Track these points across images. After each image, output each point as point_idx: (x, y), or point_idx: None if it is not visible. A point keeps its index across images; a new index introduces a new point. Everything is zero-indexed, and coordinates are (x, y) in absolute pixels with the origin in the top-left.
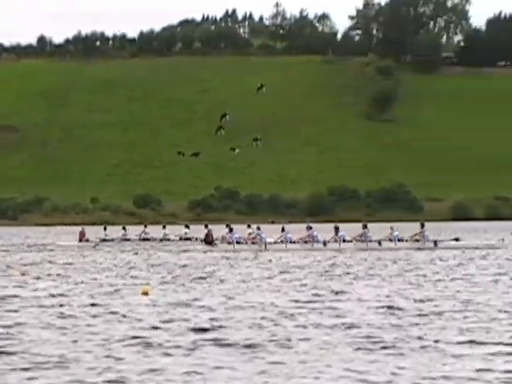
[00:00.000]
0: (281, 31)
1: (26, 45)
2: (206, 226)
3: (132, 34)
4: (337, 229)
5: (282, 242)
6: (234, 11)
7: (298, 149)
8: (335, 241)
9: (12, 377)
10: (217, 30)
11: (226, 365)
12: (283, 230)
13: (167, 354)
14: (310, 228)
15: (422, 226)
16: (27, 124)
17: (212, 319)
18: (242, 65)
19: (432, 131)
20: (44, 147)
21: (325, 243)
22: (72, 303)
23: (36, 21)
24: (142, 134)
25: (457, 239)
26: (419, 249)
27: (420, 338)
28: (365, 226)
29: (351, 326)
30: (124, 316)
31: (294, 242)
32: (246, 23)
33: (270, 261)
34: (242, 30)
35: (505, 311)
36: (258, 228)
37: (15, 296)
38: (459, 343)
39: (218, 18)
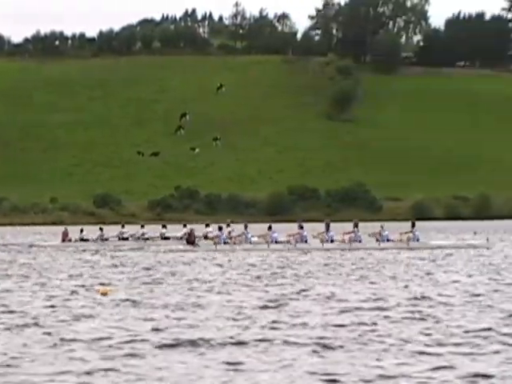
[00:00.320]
0: (240, 31)
1: None
2: (185, 226)
3: (91, 33)
4: (328, 225)
5: (266, 241)
6: (193, 11)
7: (257, 148)
8: (321, 241)
9: None
10: (176, 30)
11: (180, 365)
12: (270, 228)
13: (123, 355)
14: (302, 227)
15: (413, 225)
16: None
17: (167, 318)
18: (202, 64)
19: (391, 131)
20: (3, 147)
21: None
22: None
23: None
24: (101, 133)
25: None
26: (409, 249)
27: (376, 338)
28: (355, 225)
29: (303, 326)
30: (79, 316)
31: (278, 242)
32: (206, 23)
33: (230, 261)
34: (201, 30)
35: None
36: (246, 226)
37: None
38: (416, 343)
39: (177, 17)
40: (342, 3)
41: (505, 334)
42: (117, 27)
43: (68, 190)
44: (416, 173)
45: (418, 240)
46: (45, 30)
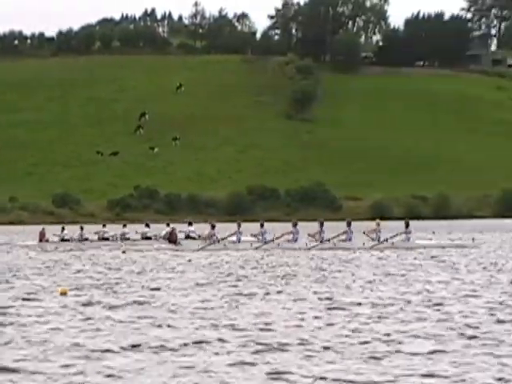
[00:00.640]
0: (200, 31)
1: None
2: (168, 225)
3: (50, 33)
4: (321, 223)
5: (258, 240)
6: (153, 10)
7: (217, 148)
8: (315, 239)
9: None
10: (136, 29)
11: (136, 366)
12: (262, 226)
13: (76, 357)
14: (296, 225)
15: (407, 225)
16: None
17: (122, 321)
18: (161, 64)
19: (351, 131)
20: None
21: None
22: None
23: None
24: (60, 133)
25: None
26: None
27: (323, 338)
28: (349, 224)
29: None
30: (31, 316)
31: (272, 241)
32: (165, 22)
33: (190, 260)
34: (161, 30)
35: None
36: (239, 224)
37: None
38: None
39: (137, 17)
40: (302, 3)
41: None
42: (76, 27)
43: (27, 190)
44: (375, 172)
45: (409, 239)
46: (3, 29)
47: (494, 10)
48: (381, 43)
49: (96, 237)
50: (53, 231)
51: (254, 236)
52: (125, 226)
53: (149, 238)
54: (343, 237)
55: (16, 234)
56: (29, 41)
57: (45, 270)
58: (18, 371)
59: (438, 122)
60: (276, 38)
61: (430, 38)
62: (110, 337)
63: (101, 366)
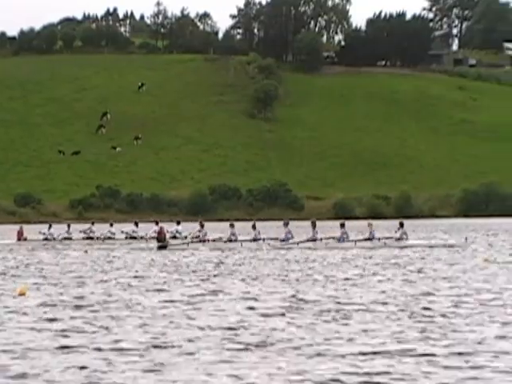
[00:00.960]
0: (162, 30)
1: None
2: (157, 223)
3: (12, 32)
4: (314, 224)
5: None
6: (115, 10)
7: (179, 147)
8: (308, 240)
9: None
10: (98, 29)
11: (95, 367)
12: (254, 227)
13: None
14: (287, 224)
15: (401, 225)
16: None
17: (83, 320)
18: (123, 63)
19: (313, 130)
20: None
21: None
22: None
23: None
24: (22, 132)
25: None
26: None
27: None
28: (342, 225)
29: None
30: None
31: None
32: (127, 22)
33: (152, 260)
34: (123, 29)
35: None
36: (232, 225)
37: None
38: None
39: (99, 16)
40: (264, 2)
41: None
42: (38, 26)
43: None
44: (337, 172)
45: (405, 240)
46: None
47: (455, 10)
48: (343, 43)
49: (81, 236)
50: (14, 230)
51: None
52: (111, 225)
53: (134, 238)
54: (338, 236)
55: None
56: None
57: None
58: None
59: (399, 121)
60: (238, 37)
61: (392, 38)
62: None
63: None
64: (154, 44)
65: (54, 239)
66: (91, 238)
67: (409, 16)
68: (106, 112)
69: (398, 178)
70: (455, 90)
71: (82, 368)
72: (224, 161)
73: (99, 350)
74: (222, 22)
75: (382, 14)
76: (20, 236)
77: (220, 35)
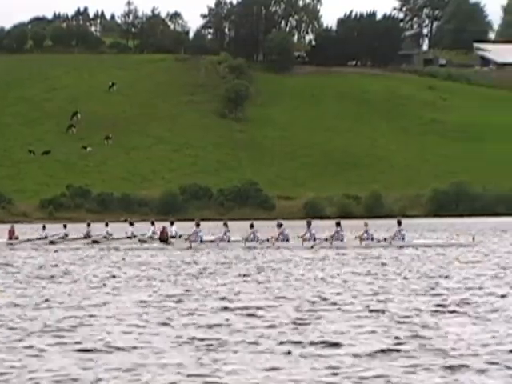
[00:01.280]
0: (132, 29)
1: None
2: (153, 224)
3: None
4: (309, 223)
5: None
6: (85, 9)
7: (150, 147)
8: (304, 239)
9: None
10: (68, 28)
11: (62, 367)
12: (252, 226)
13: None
14: (281, 225)
15: (399, 223)
16: None
17: (56, 321)
18: (94, 63)
19: (284, 130)
20: None
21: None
22: None
23: None
24: None
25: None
26: (400, 247)
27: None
28: (338, 224)
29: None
30: None
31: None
32: (98, 21)
33: (124, 259)
34: (93, 28)
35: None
36: (225, 224)
37: None
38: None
39: (69, 15)
40: (235, 2)
41: None
42: (8, 25)
43: None
44: (308, 171)
45: (403, 239)
46: None
47: (425, 10)
48: (313, 43)
49: (77, 235)
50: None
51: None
52: (107, 225)
53: (131, 238)
54: (334, 236)
55: None
56: None
57: None
58: None
59: (370, 121)
60: (209, 37)
61: (363, 38)
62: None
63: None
64: (125, 44)
65: (51, 241)
66: (90, 237)
67: (379, 16)
68: (76, 112)
69: (369, 178)
70: (425, 90)
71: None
72: (195, 161)
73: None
74: (193, 22)
75: (353, 14)
76: (11, 235)
77: (191, 35)
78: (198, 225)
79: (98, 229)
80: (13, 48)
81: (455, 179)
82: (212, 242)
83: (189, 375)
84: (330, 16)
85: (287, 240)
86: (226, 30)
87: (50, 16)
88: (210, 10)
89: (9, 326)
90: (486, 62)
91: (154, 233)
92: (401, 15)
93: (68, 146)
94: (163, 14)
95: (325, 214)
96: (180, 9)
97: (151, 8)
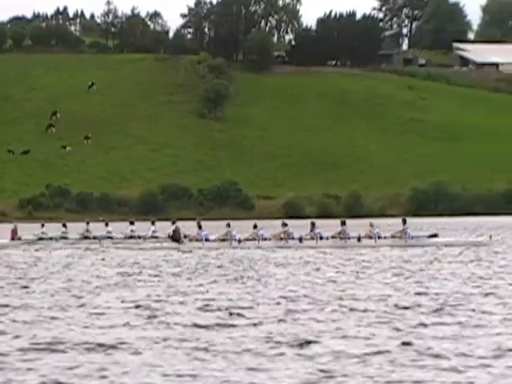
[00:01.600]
0: (112, 29)
1: None
2: (174, 223)
3: None
4: (313, 225)
5: (254, 239)
6: (65, 9)
7: (129, 147)
8: (312, 238)
9: None
10: (47, 28)
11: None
12: (255, 227)
13: None
14: (286, 225)
15: (404, 222)
16: None
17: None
18: (73, 63)
19: (263, 130)
20: None
21: (301, 239)
22: None
23: None
24: None
25: (435, 235)
26: (402, 246)
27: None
28: (343, 223)
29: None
30: None
31: (267, 239)
32: (78, 21)
33: (103, 259)
34: (73, 28)
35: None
36: (228, 225)
37: None
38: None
39: (48, 15)
40: (214, 2)
41: None
42: None
43: None
44: (287, 171)
45: (411, 237)
46: None
47: (405, 10)
48: (293, 42)
49: (78, 236)
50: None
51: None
52: (107, 224)
53: (133, 238)
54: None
55: None
56: None
57: None
58: None
59: (349, 121)
60: (189, 36)
61: (342, 38)
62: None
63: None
64: (105, 43)
65: (51, 239)
66: (88, 238)
67: (359, 16)
68: (55, 111)
69: (348, 178)
70: (405, 90)
71: None
72: (174, 160)
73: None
74: (173, 22)
75: (332, 14)
76: (14, 235)
77: (170, 35)
78: (200, 227)
79: (96, 228)
80: None
81: (434, 179)
82: (223, 240)
83: (165, 375)
84: (309, 16)
85: (292, 238)
86: (206, 29)
87: (29, 15)
88: (190, 9)
89: None
90: (465, 61)
91: (154, 232)
92: (380, 15)
93: (47, 145)
94: (143, 14)
95: (304, 214)
96: (160, 8)
97: (131, 8)
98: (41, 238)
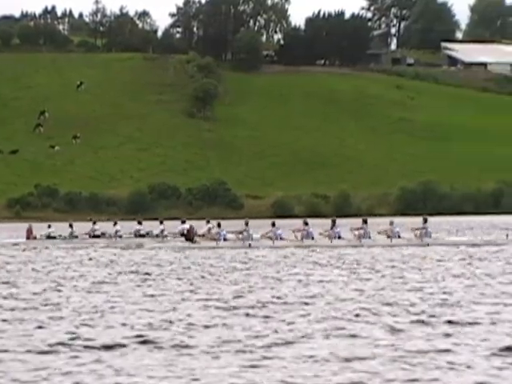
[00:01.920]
0: (101, 28)
1: None
2: (184, 222)
3: None
4: (334, 222)
5: (270, 237)
6: (53, 8)
7: (118, 146)
8: (329, 236)
9: None
10: (36, 27)
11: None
12: (273, 225)
13: None
14: (306, 224)
15: (425, 221)
16: None
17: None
18: (62, 62)
19: (252, 129)
20: None
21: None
22: None
23: None
24: None
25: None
26: (420, 245)
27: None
28: (365, 222)
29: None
30: None
31: (283, 239)
32: (66, 20)
33: (90, 259)
34: (61, 27)
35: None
36: (247, 223)
37: None
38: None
39: (37, 14)
40: (203, 1)
41: None
42: None
43: None
44: (276, 171)
45: (430, 236)
46: None
47: (393, 10)
48: (282, 42)
49: (87, 235)
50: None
51: (265, 235)
52: (115, 223)
53: (142, 236)
54: (359, 233)
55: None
56: None
57: None
58: None
59: (338, 120)
60: (177, 36)
61: (331, 37)
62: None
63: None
64: (93, 42)
65: (56, 237)
66: (97, 237)
67: (347, 15)
68: (43, 111)
69: (337, 178)
70: (393, 90)
71: None
72: (163, 160)
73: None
74: (162, 21)
75: (321, 14)
76: (29, 234)
77: (159, 34)
78: (219, 225)
79: (104, 227)
80: None
81: (423, 178)
82: (240, 239)
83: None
84: (298, 15)
85: (312, 238)
86: (195, 29)
87: (17, 14)
88: (179, 8)
89: None
90: (453, 61)
91: (162, 231)
92: (369, 15)
93: (36, 145)
94: (131, 13)
95: (293, 213)
96: (148, 8)
97: (119, 7)
98: (49, 237)
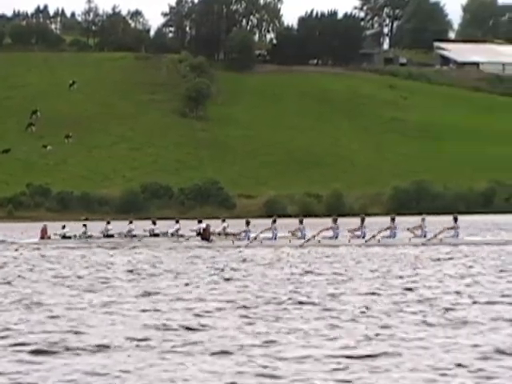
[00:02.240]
0: (93, 27)
1: None
2: (200, 222)
3: None
4: (363, 220)
5: (293, 234)
6: (45, 7)
7: (110, 145)
8: (358, 236)
9: None
10: (28, 26)
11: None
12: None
13: None
14: (336, 220)
15: (456, 220)
16: None
17: None
18: (54, 61)
19: (245, 129)
20: None
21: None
22: None
23: None
24: None
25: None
26: (423, 244)
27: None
28: (393, 220)
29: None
30: None
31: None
32: (58, 19)
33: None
34: (53, 26)
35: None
36: (274, 221)
37: None
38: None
39: (29, 13)
40: (196, 0)
41: None
42: None
43: None
44: (269, 170)
45: (457, 236)
46: None
47: (386, 9)
48: (274, 41)
49: (101, 234)
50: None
51: (292, 233)
52: (131, 222)
53: (157, 235)
54: (387, 233)
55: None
56: None
57: None
58: None
59: (331, 120)
60: (170, 35)
61: (324, 37)
62: None
63: None
64: (85, 42)
65: (71, 237)
66: (111, 236)
67: (340, 15)
68: (35, 110)
69: (331, 177)
70: (386, 89)
71: None
72: (156, 159)
73: None
74: (154, 20)
75: (314, 13)
76: (44, 234)
77: (152, 33)
78: (248, 223)
79: (116, 227)
80: None
81: (416, 178)
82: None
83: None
84: (290, 15)
85: (336, 237)
86: (187, 28)
87: (9, 14)
88: (171, 8)
89: None
90: (446, 61)
91: (177, 230)
92: (361, 14)
93: (28, 144)
94: (124, 12)
95: (286, 213)
96: (141, 7)
97: (112, 6)
98: (64, 237)
